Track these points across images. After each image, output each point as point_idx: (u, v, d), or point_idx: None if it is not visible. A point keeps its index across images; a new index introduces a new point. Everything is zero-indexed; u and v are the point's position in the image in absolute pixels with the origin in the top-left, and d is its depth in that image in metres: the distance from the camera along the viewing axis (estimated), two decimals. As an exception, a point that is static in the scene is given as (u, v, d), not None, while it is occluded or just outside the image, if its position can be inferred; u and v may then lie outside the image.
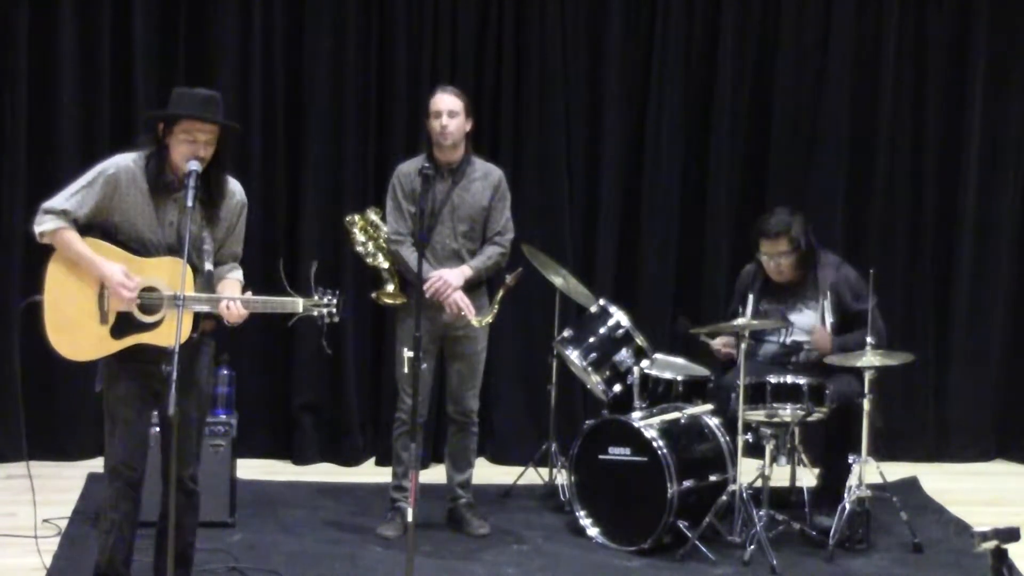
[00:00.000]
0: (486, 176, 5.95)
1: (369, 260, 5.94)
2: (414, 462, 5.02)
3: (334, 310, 4.57)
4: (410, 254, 5.75)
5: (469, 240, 5.91)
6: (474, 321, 5.86)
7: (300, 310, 4.56)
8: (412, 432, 5.13)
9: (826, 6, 7.58)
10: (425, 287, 5.62)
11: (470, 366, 6.01)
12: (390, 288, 5.89)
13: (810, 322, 6.13)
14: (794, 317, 6.14)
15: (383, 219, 5.98)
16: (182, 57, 7.18)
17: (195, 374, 4.62)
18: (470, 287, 5.84)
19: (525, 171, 7.47)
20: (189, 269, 4.43)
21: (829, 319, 6.05)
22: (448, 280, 5.75)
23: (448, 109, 5.80)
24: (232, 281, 4.63)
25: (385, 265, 5.91)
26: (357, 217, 6.01)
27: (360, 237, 5.96)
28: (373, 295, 5.95)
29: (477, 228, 5.92)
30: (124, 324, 4.48)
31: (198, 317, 4.52)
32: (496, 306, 5.98)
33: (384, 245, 5.93)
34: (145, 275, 4.48)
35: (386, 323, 7.16)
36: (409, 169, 5.89)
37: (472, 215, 5.89)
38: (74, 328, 4.50)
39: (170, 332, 4.28)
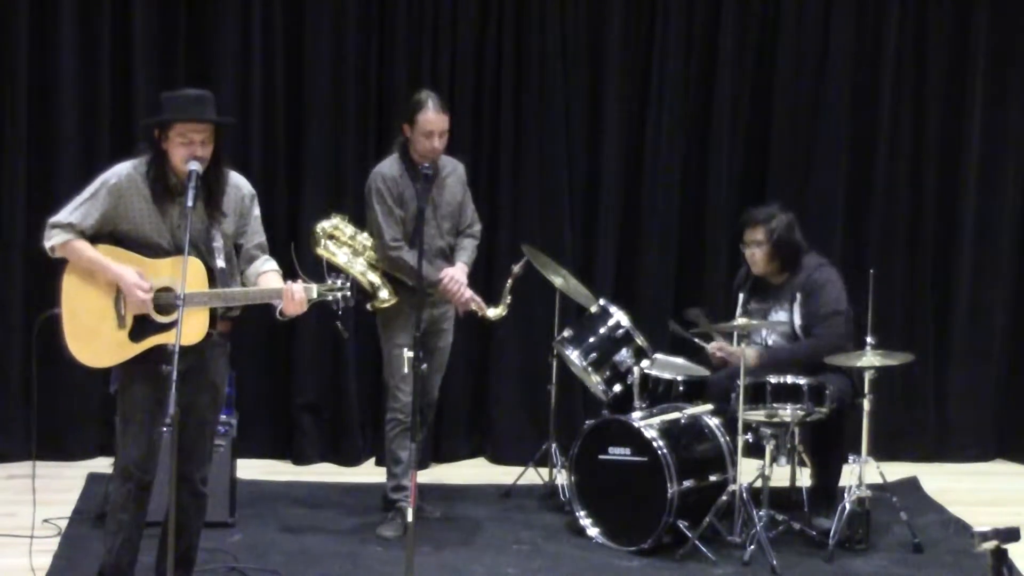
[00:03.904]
0: (455, 171, 6.06)
1: (357, 269, 5.86)
2: (413, 462, 5.03)
3: (348, 293, 4.57)
4: (413, 259, 5.76)
5: (451, 236, 6.04)
6: (492, 315, 6.09)
7: (315, 296, 4.56)
8: (413, 431, 5.13)
9: (826, 6, 7.58)
10: (440, 288, 5.82)
11: (442, 358, 6.13)
12: (384, 294, 5.88)
13: (786, 322, 6.13)
14: (773, 317, 6.14)
15: (351, 222, 5.98)
16: (182, 57, 7.18)
17: (212, 374, 4.64)
18: None
19: (525, 171, 7.47)
20: (202, 267, 4.45)
21: (797, 320, 6.06)
22: (459, 279, 5.89)
23: (441, 130, 5.81)
24: (272, 274, 4.65)
25: (368, 269, 5.89)
26: (325, 226, 5.96)
27: (333, 246, 5.92)
28: (368, 306, 5.91)
29: (455, 223, 6.04)
30: (142, 327, 4.50)
31: (214, 314, 4.52)
32: (508, 297, 6.15)
33: (363, 249, 5.93)
34: (160, 276, 4.49)
35: (386, 323, 7.16)
36: (392, 173, 5.90)
37: (452, 211, 6.01)
38: (93, 336, 4.52)
39: (187, 331, 4.30)
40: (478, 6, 7.38)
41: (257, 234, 4.73)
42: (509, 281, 6.15)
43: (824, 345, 5.99)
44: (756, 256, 6.16)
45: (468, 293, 5.94)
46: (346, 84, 7.29)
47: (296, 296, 4.48)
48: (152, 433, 4.55)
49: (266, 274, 4.65)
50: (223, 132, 4.62)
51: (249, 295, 4.59)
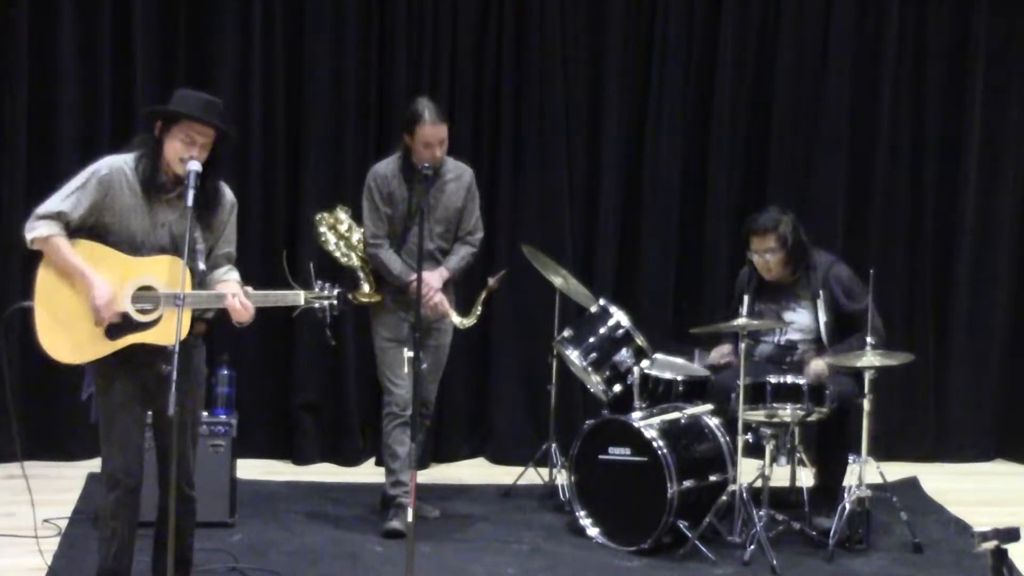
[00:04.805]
0: (459, 177, 6.02)
1: (343, 260, 5.95)
2: (412, 461, 5.02)
3: (335, 302, 4.57)
4: (390, 257, 5.85)
5: (443, 240, 6.00)
6: (457, 323, 6.00)
7: (302, 302, 4.56)
8: (413, 431, 5.14)
9: (826, 6, 7.58)
10: (410, 290, 5.69)
11: (437, 358, 6.08)
12: (366, 288, 5.92)
13: (804, 321, 6.14)
14: (788, 316, 6.15)
15: (352, 217, 6.01)
16: (182, 58, 7.18)
17: (193, 376, 4.62)
18: (443, 287, 5.94)
19: (525, 171, 7.48)
20: (186, 268, 4.43)
21: (823, 318, 6.06)
22: (431, 283, 5.80)
23: (439, 139, 5.81)
24: (231, 283, 4.61)
25: (358, 264, 5.93)
26: (327, 215, 6.03)
27: (331, 236, 5.97)
28: (349, 296, 5.93)
29: (451, 229, 6.01)
30: (120, 324, 4.45)
31: (195, 316, 4.51)
32: (479, 308, 6.11)
33: (356, 244, 5.95)
34: (141, 274, 4.46)
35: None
36: (385, 171, 5.93)
37: (448, 216, 5.98)
38: (68, 331, 4.46)
39: (167, 330, 4.27)
40: (478, 6, 7.38)
41: (229, 243, 4.70)
42: (483, 292, 6.13)
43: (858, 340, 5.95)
44: (770, 263, 6.13)
45: (437, 297, 5.86)
46: (346, 84, 7.29)
47: (244, 307, 4.47)
48: (136, 436, 4.53)
49: (227, 283, 4.60)
50: (223, 143, 4.60)
51: (204, 298, 4.55)
